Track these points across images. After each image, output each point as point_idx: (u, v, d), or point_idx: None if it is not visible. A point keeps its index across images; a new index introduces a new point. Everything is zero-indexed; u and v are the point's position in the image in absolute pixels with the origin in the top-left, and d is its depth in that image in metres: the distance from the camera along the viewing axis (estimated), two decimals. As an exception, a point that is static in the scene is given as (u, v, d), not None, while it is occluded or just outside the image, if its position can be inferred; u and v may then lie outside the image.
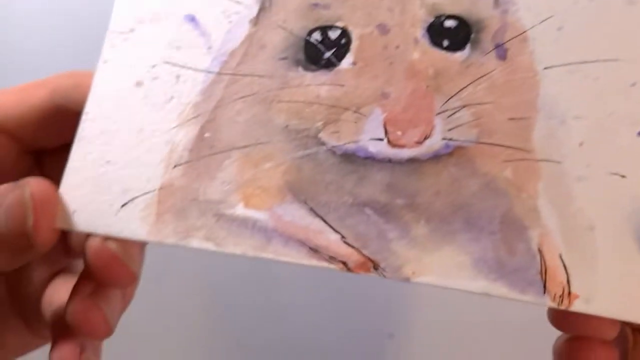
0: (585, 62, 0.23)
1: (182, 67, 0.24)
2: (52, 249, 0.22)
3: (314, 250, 0.21)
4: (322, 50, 0.23)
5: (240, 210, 0.22)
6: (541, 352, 0.24)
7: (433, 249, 0.21)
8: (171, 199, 0.22)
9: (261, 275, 0.46)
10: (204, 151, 0.23)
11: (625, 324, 0.23)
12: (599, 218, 0.21)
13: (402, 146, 0.22)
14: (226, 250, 0.22)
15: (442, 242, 0.21)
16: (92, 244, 0.22)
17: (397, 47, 0.23)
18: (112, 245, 0.22)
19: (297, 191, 0.22)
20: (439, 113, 0.22)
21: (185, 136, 0.23)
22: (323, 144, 0.23)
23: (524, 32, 0.23)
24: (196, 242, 0.22)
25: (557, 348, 0.23)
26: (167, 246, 0.22)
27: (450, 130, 0.22)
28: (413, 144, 0.22)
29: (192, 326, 0.49)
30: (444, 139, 0.22)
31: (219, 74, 0.24)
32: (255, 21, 0.24)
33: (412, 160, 0.22)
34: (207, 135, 0.23)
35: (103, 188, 0.23)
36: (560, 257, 0.21)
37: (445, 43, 0.23)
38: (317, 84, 0.23)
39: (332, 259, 0.21)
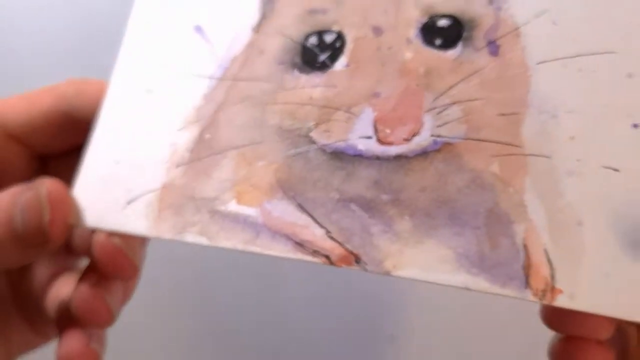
0: (580, 55, 0.22)
1: (189, 74, 0.25)
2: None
3: (299, 245, 0.22)
4: (317, 53, 0.24)
5: (233, 206, 0.23)
6: (543, 355, 0.23)
7: (415, 243, 0.21)
8: (171, 197, 0.24)
9: (261, 275, 0.47)
10: (203, 152, 0.24)
11: (630, 323, 0.22)
12: (588, 213, 0.21)
13: (390, 144, 0.22)
14: (218, 244, 0.23)
15: (424, 237, 0.21)
16: (98, 239, 0.24)
17: (390, 48, 0.24)
18: (116, 240, 0.24)
19: (287, 188, 0.23)
20: (428, 110, 0.23)
21: (187, 138, 0.24)
22: (314, 142, 0.23)
23: (517, 28, 0.23)
24: (191, 237, 0.23)
25: (552, 348, 0.22)
26: (165, 241, 0.23)
27: (439, 127, 0.22)
28: (401, 141, 0.22)
29: (191, 328, 0.49)
30: (432, 135, 0.22)
31: (221, 79, 0.25)
32: (257, 29, 0.25)
33: (399, 157, 0.22)
34: (207, 136, 0.24)
35: (111, 187, 0.24)
36: (546, 252, 0.20)
37: (438, 42, 0.24)
38: (311, 86, 0.24)
39: (315, 252, 0.22)
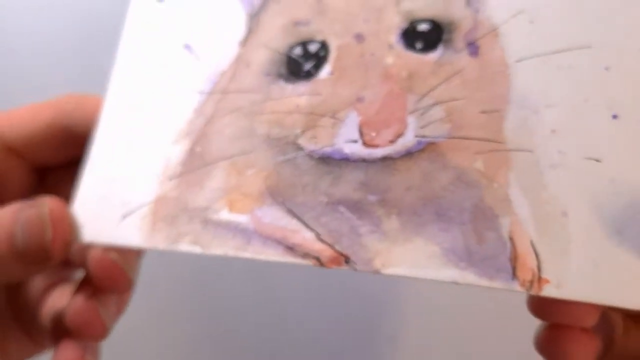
0: (558, 51, 0.23)
1: (179, 90, 0.26)
2: None
3: (290, 248, 0.22)
4: (302, 63, 0.25)
5: (225, 215, 0.23)
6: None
7: (403, 241, 0.22)
8: (165, 209, 0.24)
9: (259, 276, 0.47)
10: (195, 164, 0.25)
11: (615, 311, 0.22)
12: (572, 204, 0.21)
13: (375, 146, 0.23)
14: (210, 252, 0.23)
15: (412, 234, 0.22)
16: (95, 254, 0.24)
17: (373, 54, 0.24)
18: (112, 255, 0.24)
19: (277, 194, 0.23)
20: (412, 112, 0.23)
21: (179, 151, 0.25)
22: (301, 149, 0.24)
23: (495, 28, 0.24)
24: (184, 246, 0.23)
25: (537, 337, 0.22)
26: (159, 252, 0.24)
27: (422, 127, 0.23)
28: (386, 143, 0.23)
29: (188, 330, 0.49)
30: (416, 136, 0.23)
31: (211, 93, 0.26)
32: (244, 43, 0.26)
33: (385, 159, 0.23)
34: (198, 149, 0.25)
35: (107, 203, 0.25)
36: (532, 243, 0.21)
37: (419, 46, 0.24)
38: (297, 95, 0.24)
39: (306, 255, 0.22)
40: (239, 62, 0.26)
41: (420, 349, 0.43)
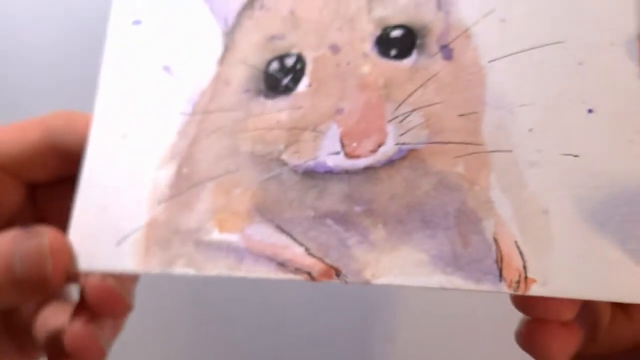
0: (530, 48, 0.23)
1: (161, 112, 0.26)
2: None
3: (281, 265, 0.23)
4: (280, 77, 0.25)
5: (215, 235, 0.24)
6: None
7: (391, 249, 0.22)
8: (156, 232, 0.25)
9: (257, 280, 0.47)
10: (182, 186, 0.25)
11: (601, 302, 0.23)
12: (553, 201, 0.21)
13: (357, 157, 0.23)
14: (204, 273, 0.23)
15: (399, 243, 0.22)
16: (92, 281, 0.25)
17: (348, 63, 0.25)
18: (109, 281, 0.25)
19: (264, 211, 0.24)
20: (390, 120, 0.23)
21: (166, 175, 0.25)
22: (286, 164, 0.24)
23: (467, 30, 0.24)
24: (179, 269, 0.24)
25: (517, 332, 0.23)
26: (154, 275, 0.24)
27: (402, 135, 0.23)
28: (368, 153, 0.23)
29: (188, 332, 0.50)
30: (397, 144, 0.23)
31: (192, 114, 0.26)
32: (221, 61, 0.26)
33: (367, 169, 0.23)
34: (184, 171, 0.25)
35: (100, 231, 0.25)
36: (516, 243, 0.21)
37: (393, 52, 0.24)
38: (277, 110, 0.25)
39: (297, 270, 0.22)
40: (218, 80, 0.26)
41: (419, 350, 0.43)
